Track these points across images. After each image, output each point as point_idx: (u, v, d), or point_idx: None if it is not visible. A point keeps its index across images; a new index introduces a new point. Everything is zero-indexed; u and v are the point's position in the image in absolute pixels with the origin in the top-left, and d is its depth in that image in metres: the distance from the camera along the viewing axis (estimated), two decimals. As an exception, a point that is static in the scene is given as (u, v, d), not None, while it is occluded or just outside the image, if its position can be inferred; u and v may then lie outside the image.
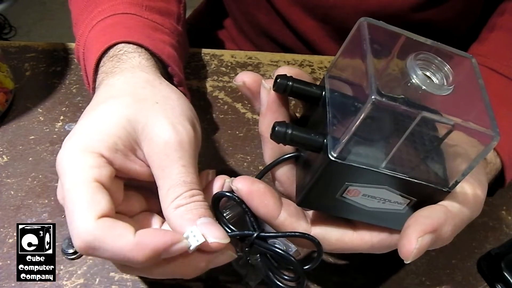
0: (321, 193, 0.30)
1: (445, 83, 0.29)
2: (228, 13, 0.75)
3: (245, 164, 0.49)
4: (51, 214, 0.44)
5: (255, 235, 0.32)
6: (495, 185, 0.45)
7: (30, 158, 0.47)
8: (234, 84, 0.35)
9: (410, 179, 0.28)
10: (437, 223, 0.29)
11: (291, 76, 0.32)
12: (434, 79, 0.29)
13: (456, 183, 0.29)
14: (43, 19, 1.93)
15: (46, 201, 0.44)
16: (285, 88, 0.31)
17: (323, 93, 0.32)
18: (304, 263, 0.32)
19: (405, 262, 0.29)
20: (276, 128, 0.29)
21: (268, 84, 0.32)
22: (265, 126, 0.32)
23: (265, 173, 0.33)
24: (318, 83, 0.33)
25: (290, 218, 0.31)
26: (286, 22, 0.65)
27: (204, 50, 0.60)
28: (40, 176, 0.46)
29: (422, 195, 0.30)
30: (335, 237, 0.32)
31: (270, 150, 0.33)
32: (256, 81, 0.33)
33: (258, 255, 0.34)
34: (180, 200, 0.30)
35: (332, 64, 0.32)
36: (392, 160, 0.28)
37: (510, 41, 0.50)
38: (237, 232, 0.32)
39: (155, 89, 0.35)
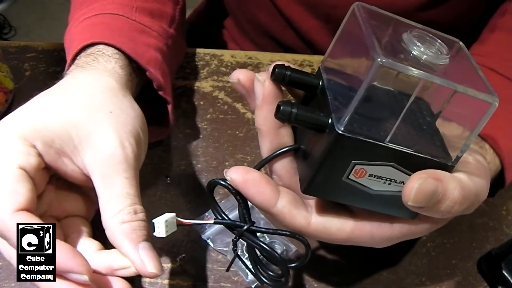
0: (328, 175, 0.29)
1: (441, 54, 0.29)
2: (229, 13, 0.75)
3: (245, 164, 0.49)
4: (51, 214, 0.43)
5: (246, 227, 0.31)
6: (495, 185, 0.45)
7: (30, 158, 0.47)
8: (229, 81, 0.35)
9: (415, 153, 0.29)
10: (442, 175, 0.28)
11: (289, 66, 0.32)
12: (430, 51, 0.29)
13: (458, 157, 0.30)
14: (43, 19, 1.92)
15: (46, 201, 0.44)
16: (283, 77, 0.31)
17: (320, 81, 0.32)
18: (293, 262, 0.32)
19: (407, 204, 0.28)
20: (282, 107, 0.29)
21: (262, 76, 0.32)
22: (261, 119, 0.32)
23: (263, 166, 0.33)
24: None
25: (289, 206, 0.30)
26: (288, 21, 0.65)
27: (204, 50, 0.60)
28: (40, 176, 0.46)
29: None
30: (336, 226, 0.31)
31: (268, 144, 0.32)
32: (251, 79, 0.32)
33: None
34: (125, 215, 0.31)
35: (327, 53, 0.33)
36: (396, 133, 0.28)
37: (511, 42, 0.50)
38: (229, 221, 0.32)
39: (115, 99, 0.35)
